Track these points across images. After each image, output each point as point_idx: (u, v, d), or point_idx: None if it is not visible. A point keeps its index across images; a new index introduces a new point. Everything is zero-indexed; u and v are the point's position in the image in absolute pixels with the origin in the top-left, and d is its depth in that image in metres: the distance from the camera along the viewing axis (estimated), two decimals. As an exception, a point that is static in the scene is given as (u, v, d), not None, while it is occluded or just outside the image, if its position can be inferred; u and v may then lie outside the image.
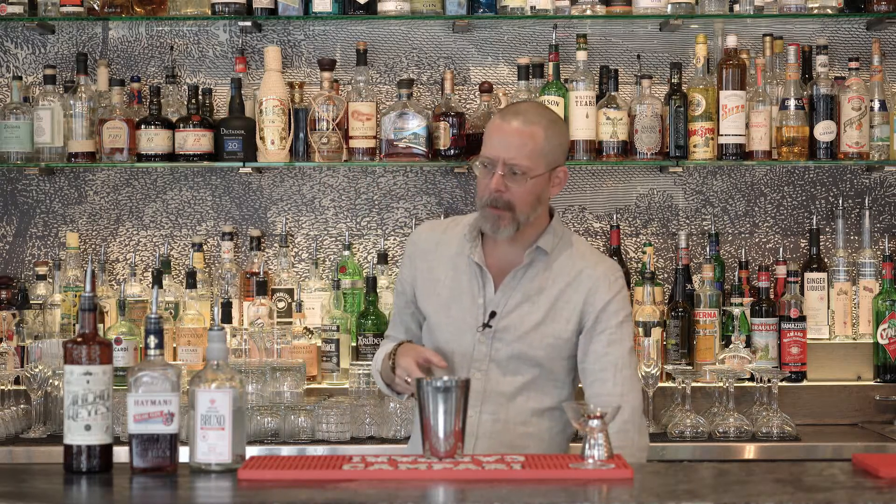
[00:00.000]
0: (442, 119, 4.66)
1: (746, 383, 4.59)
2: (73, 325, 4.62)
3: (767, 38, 4.83)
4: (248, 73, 4.84)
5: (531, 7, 4.68)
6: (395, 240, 4.96)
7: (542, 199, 3.32)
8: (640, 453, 3.34)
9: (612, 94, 4.73)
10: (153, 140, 4.68)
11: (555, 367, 3.35)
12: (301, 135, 4.71)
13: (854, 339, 4.83)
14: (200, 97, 4.78)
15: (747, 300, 4.65)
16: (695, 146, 4.69)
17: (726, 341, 4.66)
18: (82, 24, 4.94)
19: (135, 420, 2.79)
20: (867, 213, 4.90)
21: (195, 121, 4.69)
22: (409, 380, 3.22)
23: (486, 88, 4.72)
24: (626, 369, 3.33)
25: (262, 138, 4.67)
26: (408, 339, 3.44)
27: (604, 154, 4.71)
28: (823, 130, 4.71)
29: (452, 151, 4.67)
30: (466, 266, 3.37)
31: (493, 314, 3.32)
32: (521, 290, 3.35)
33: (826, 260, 4.88)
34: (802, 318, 4.71)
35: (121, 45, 4.97)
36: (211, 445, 2.79)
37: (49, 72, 4.77)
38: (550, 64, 4.74)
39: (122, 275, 4.91)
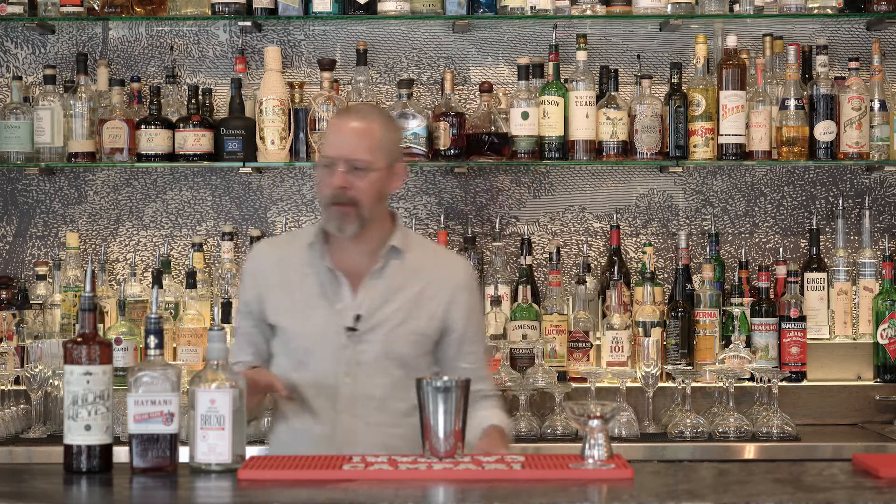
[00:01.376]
0: (442, 119, 4.66)
1: (746, 383, 4.59)
2: (73, 325, 4.62)
3: (767, 38, 4.83)
4: (248, 73, 4.84)
5: (531, 7, 4.68)
6: (395, 240, 4.95)
7: (383, 194, 3.39)
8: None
9: (612, 94, 4.73)
10: (153, 140, 4.68)
11: (418, 364, 3.40)
12: (301, 135, 4.71)
13: (854, 339, 4.83)
14: (200, 97, 4.78)
15: (747, 300, 4.65)
16: (695, 146, 4.69)
17: (726, 341, 4.66)
18: (82, 24, 4.94)
19: (135, 420, 2.79)
20: (867, 213, 4.90)
21: (195, 121, 4.68)
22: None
23: (486, 88, 4.72)
24: (487, 360, 3.60)
25: (262, 138, 4.67)
26: (256, 360, 3.43)
27: (604, 154, 4.71)
28: (823, 130, 4.70)
29: (452, 151, 4.67)
30: (317, 274, 3.39)
31: (358, 317, 3.35)
32: (380, 290, 3.38)
33: (826, 260, 4.88)
34: (802, 318, 4.71)
35: (121, 45, 4.97)
36: (211, 445, 2.79)
37: (49, 72, 4.77)
38: (550, 64, 4.74)
39: (122, 275, 4.91)
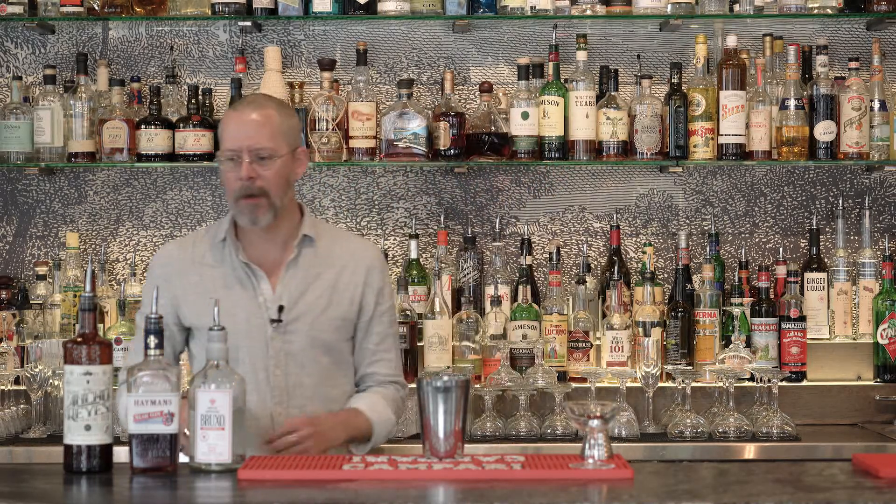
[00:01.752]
0: (442, 119, 4.66)
1: (746, 383, 4.59)
2: (73, 325, 4.62)
3: (767, 38, 4.83)
4: (248, 73, 4.84)
5: (531, 7, 4.68)
6: (395, 240, 4.96)
7: (290, 181, 3.41)
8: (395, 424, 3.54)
9: (612, 94, 4.73)
10: (153, 140, 4.68)
11: (343, 349, 3.45)
12: (301, 135, 4.70)
13: (854, 339, 4.83)
14: (200, 97, 4.78)
15: (747, 300, 4.65)
16: (695, 146, 4.69)
17: (726, 341, 4.66)
18: (82, 24, 4.94)
19: (135, 420, 2.79)
20: (867, 213, 4.90)
21: (195, 121, 4.68)
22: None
23: (486, 88, 4.71)
24: (399, 350, 3.60)
25: (262, 138, 4.66)
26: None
27: (604, 154, 4.71)
28: (823, 130, 4.70)
29: (452, 151, 4.66)
30: (232, 270, 3.40)
31: (281, 308, 3.37)
32: (298, 279, 3.41)
33: (826, 260, 4.88)
34: (802, 318, 4.71)
35: (121, 45, 4.97)
36: (211, 445, 2.79)
37: (49, 72, 4.77)
38: (550, 64, 4.74)
39: (122, 275, 4.91)
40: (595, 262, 4.92)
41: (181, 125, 4.70)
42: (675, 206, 4.99)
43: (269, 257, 3.43)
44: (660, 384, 4.53)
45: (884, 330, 4.74)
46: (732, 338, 4.59)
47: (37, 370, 4.36)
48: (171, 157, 4.71)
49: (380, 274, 3.51)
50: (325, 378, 3.43)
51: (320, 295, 3.42)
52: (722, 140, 4.69)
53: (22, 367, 4.51)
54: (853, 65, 4.74)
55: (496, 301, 4.65)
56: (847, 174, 4.97)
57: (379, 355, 3.50)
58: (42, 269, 4.82)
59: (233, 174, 3.33)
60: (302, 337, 3.40)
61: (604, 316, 4.75)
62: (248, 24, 4.75)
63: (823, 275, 4.84)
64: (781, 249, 4.88)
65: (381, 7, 4.67)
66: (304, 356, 3.40)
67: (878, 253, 4.89)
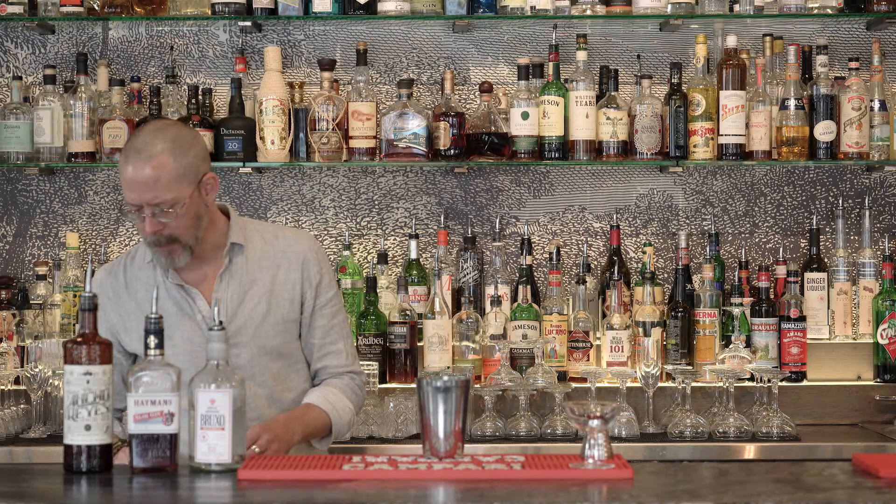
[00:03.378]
0: (442, 119, 4.66)
1: (746, 383, 4.59)
2: (73, 325, 4.62)
3: (767, 38, 4.83)
4: (248, 73, 4.84)
5: (531, 7, 4.68)
6: (394, 240, 4.96)
7: (201, 214, 3.27)
8: (353, 420, 3.47)
9: (612, 94, 4.73)
10: (153, 140, 4.68)
11: (292, 351, 3.40)
12: (301, 135, 4.71)
13: (854, 339, 4.83)
14: (200, 97, 4.78)
15: (747, 300, 4.65)
16: (695, 146, 4.69)
17: (726, 341, 4.66)
18: (82, 24, 4.94)
19: (135, 420, 2.79)
20: (867, 213, 4.90)
21: (195, 121, 4.68)
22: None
23: (486, 88, 4.71)
24: (349, 338, 3.49)
25: (262, 138, 4.67)
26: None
27: (604, 154, 4.71)
28: (823, 130, 4.70)
29: (452, 151, 4.66)
30: (167, 291, 3.33)
31: (220, 323, 3.25)
32: (233, 290, 3.35)
33: (826, 260, 4.88)
34: (802, 318, 4.71)
35: (121, 45, 4.97)
36: (211, 445, 2.79)
37: (49, 72, 4.77)
38: (550, 64, 4.74)
39: (122, 275, 4.91)
40: (595, 262, 4.92)
41: (181, 125, 4.69)
42: (675, 206, 4.99)
43: (201, 273, 3.35)
44: (660, 384, 4.53)
45: (884, 330, 4.74)
46: (732, 338, 4.59)
47: (37, 370, 4.36)
48: (171, 157, 4.70)
49: (315, 265, 3.42)
50: (277, 384, 3.39)
51: (258, 301, 3.36)
52: (722, 140, 4.69)
53: (22, 367, 4.51)
54: (853, 65, 4.74)
55: (496, 301, 4.65)
56: (847, 174, 4.97)
57: (326, 349, 3.43)
58: (42, 269, 4.82)
59: (140, 225, 3.23)
60: (247, 348, 3.34)
61: (604, 316, 4.75)
62: (248, 24, 4.75)
63: (823, 275, 4.84)
64: (781, 249, 4.88)
65: (381, 7, 4.67)
66: (254, 366, 3.34)
67: (878, 253, 4.89)
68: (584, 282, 4.72)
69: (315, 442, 3.41)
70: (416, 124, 4.63)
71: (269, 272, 3.38)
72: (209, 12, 4.71)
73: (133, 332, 3.33)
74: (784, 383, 4.56)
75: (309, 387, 3.47)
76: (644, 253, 4.88)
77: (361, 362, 4.51)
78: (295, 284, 3.40)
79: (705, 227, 4.96)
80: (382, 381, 4.58)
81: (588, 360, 4.65)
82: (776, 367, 4.63)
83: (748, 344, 4.65)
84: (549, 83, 4.71)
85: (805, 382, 4.73)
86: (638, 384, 4.52)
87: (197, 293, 3.34)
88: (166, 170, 3.18)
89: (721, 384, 4.42)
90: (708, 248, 4.86)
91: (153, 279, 3.35)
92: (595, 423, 2.79)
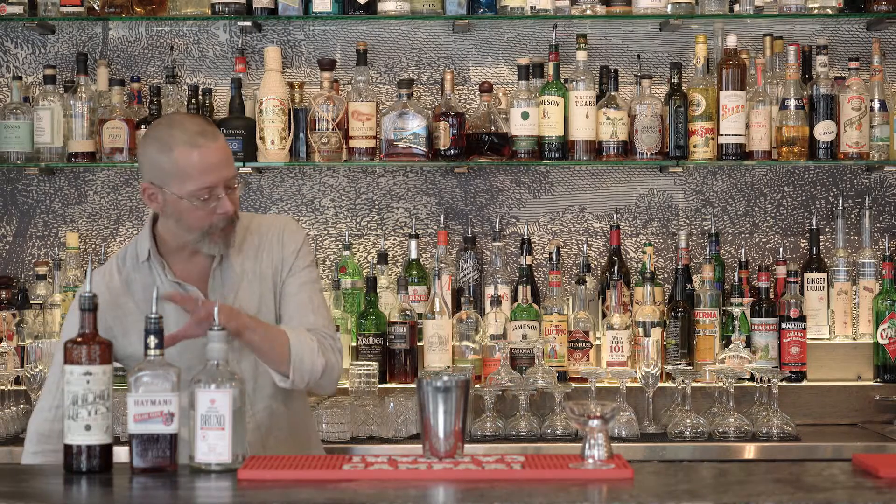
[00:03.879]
0: (442, 119, 4.66)
1: (746, 383, 4.59)
2: (73, 325, 4.61)
3: (767, 38, 4.83)
4: (248, 73, 4.84)
5: (531, 7, 4.68)
6: (395, 240, 4.96)
7: None
8: (321, 365, 3.28)
9: (612, 94, 4.73)
10: (153, 140, 4.68)
11: None
12: (301, 135, 4.71)
13: (854, 339, 4.83)
14: (200, 97, 4.78)
15: (747, 300, 4.65)
16: (695, 146, 4.69)
17: (726, 341, 4.66)
18: (82, 24, 4.94)
19: (135, 420, 2.79)
20: (867, 213, 4.90)
21: (195, 121, 4.68)
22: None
23: (486, 88, 4.72)
24: (322, 308, 3.38)
25: (262, 138, 4.67)
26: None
27: (604, 154, 4.71)
28: (823, 130, 4.71)
29: (452, 151, 4.66)
30: (164, 290, 3.28)
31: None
32: (228, 283, 3.34)
33: (826, 260, 4.88)
34: (802, 318, 4.71)
35: (121, 45, 4.97)
36: (211, 445, 2.79)
37: (49, 72, 4.77)
38: (550, 64, 4.74)
39: (122, 275, 4.91)
40: (595, 262, 4.92)
41: (181, 125, 4.69)
42: (675, 206, 4.99)
43: (196, 270, 3.34)
44: (660, 384, 4.53)
45: (884, 330, 4.74)
46: (732, 338, 4.59)
47: (37, 370, 4.36)
48: (171, 157, 4.70)
49: (290, 237, 3.39)
50: (260, 366, 3.32)
51: (252, 291, 3.35)
52: (722, 140, 4.69)
53: (22, 367, 4.51)
54: (853, 65, 4.74)
55: (496, 301, 4.65)
56: (847, 174, 4.97)
57: (296, 321, 3.34)
58: (42, 269, 4.82)
59: (204, 211, 3.21)
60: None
61: (604, 316, 4.75)
62: (248, 24, 4.75)
63: (823, 275, 4.84)
64: (781, 249, 4.88)
65: (381, 7, 4.67)
66: (240, 351, 3.29)
67: (878, 253, 4.89)
68: (584, 282, 4.72)
69: (273, 368, 3.27)
70: (416, 124, 4.63)
71: (254, 258, 3.38)
72: (209, 12, 4.71)
73: (132, 333, 3.29)
74: (784, 383, 4.56)
75: None
76: (644, 253, 4.88)
77: (361, 362, 4.52)
78: (274, 260, 3.38)
79: (705, 227, 4.96)
80: (382, 381, 4.58)
81: (588, 360, 4.65)
82: (776, 367, 4.64)
83: (748, 344, 4.65)
84: (549, 83, 4.72)
85: (805, 382, 4.73)
86: (638, 384, 4.52)
87: (194, 289, 3.33)
88: (227, 147, 3.28)
89: (721, 384, 4.42)
90: (708, 248, 4.86)
91: (150, 279, 3.34)
92: (595, 423, 2.79)
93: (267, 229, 3.42)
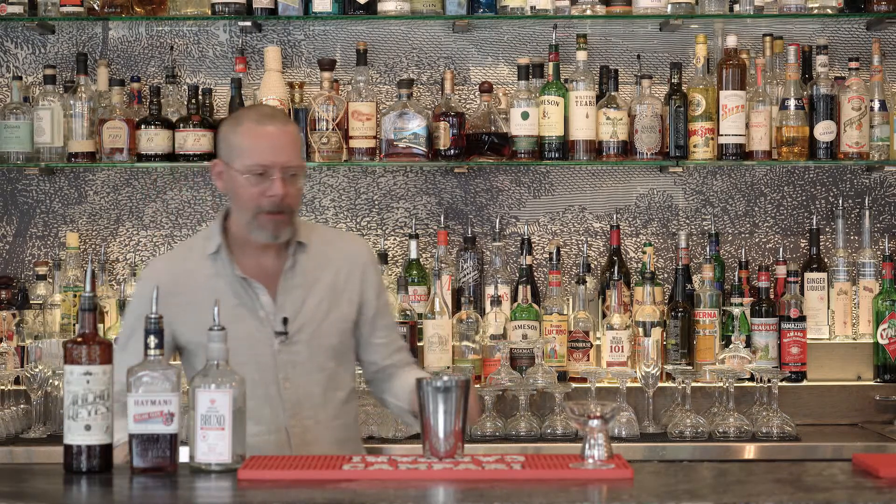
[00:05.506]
0: (442, 119, 4.66)
1: (746, 383, 4.59)
2: (73, 325, 4.62)
3: (767, 38, 4.83)
4: (248, 73, 4.84)
5: (531, 7, 4.68)
6: (394, 240, 4.96)
7: (303, 193, 3.41)
8: None
9: (612, 94, 4.73)
10: (153, 140, 4.68)
11: (346, 350, 3.42)
12: (301, 135, 4.71)
13: (854, 339, 4.83)
14: (200, 97, 4.78)
15: (747, 300, 4.65)
16: (695, 146, 4.69)
17: (726, 341, 4.66)
18: (82, 24, 4.94)
19: (135, 420, 2.79)
20: (867, 213, 4.90)
21: (195, 121, 4.68)
22: None
23: (486, 88, 4.72)
24: (401, 335, 3.63)
25: (262, 138, 4.66)
26: None
27: (604, 154, 4.71)
28: (823, 130, 4.71)
29: (452, 151, 4.66)
30: (230, 285, 3.32)
31: (286, 320, 3.31)
32: (296, 288, 3.35)
33: (826, 260, 4.88)
34: (802, 318, 4.71)
35: (121, 45, 4.97)
36: (211, 445, 2.79)
37: (49, 72, 4.77)
38: (550, 64, 4.74)
39: (122, 275, 4.91)
40: (595, 262, 4.92)
41: (181, 125, 4.70)
42: (675, 206, 4.99)
43: (265, 268, 3.35)
44: (660, 384, 4.53)
45: (884, 330, 4.74)
46: (732, 338, 4.59)
47: (37, 370, 4.36)
48: (171, 157, 4.71)
49: (374, 269, 3.49)
50: (331, 382, 3.39)
51: (321, 300, 3.37)
52: (722, 140, 4.69)
53: (22, 367, 4.51)
54: (853, 65, 4.74)
55: (496, 301, 4.65)
56: (847, 174, 4.97)
57: (392, 346, 3.49)
58: (42, 269, 4.82)
59: (257, 189, 3.25)
60: (307, 346, 3.34)
61: (604, 316, 4.75)
62: (248, 24, 4.75)
63: (823, 275, 4.84)
64: (781, 249, 4.88)
65: (381, 7, 4.67)
66: (311, 364, 3.35)
67: (878, 253, 4.89)
68: (584, 282, 4.72)
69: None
70: (416, 124, 4.63)
71: (331, 273, 3.40)
72: (209, 12, 4.71)
73: (190, 323, 3.29)
74: (784, 383, 4.56)
75: (353, 385, 3.48)
76: (644, 253, 4.88)
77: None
78: (355, 286, 3.42)
79: (705, 227, 4.96)
80: (382, 381, 4.58)
81: (588, 360, 4.65)
82: (776, 367, 4.64)
83: (748, 344, 4.65)
84: (549, 83, 4.72)
85: (805, 382, 4.73)
86: (638, 384, 4.52)
87: (261, 288, 3.32)
88: (297, 137, 3.33)
89: (721, 384, 4.42)
90: (708, 248, 4.86)
91: (213, 271, 3.34)
92: (595, 423, 2.79)
93: (350, 252, 3.45)
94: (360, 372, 3.61)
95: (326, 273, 3.40)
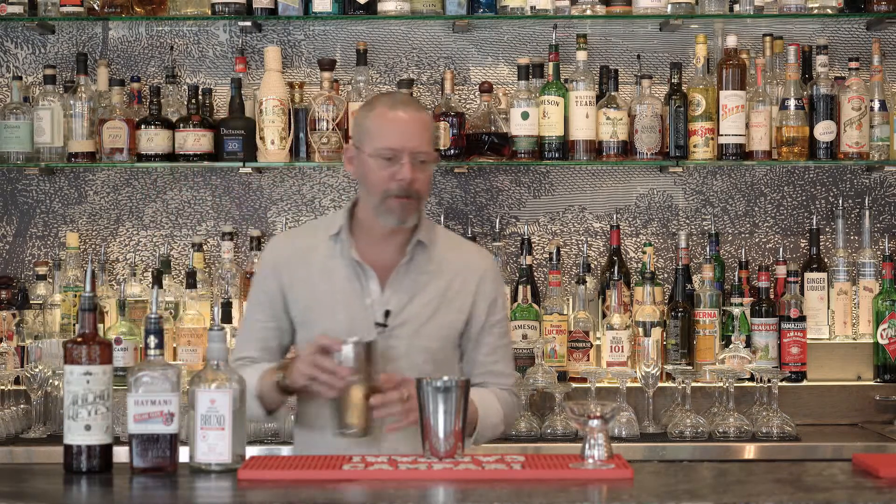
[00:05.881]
0: (442, 119, 4.66)
1: (746, 383, 4.59)
2: (73, 325, 4.62)
3: (767, 38, 4.83)
4: (248, 73, 4.84)
5: (531, 7, 4.68)
6: (395, 240, 4.95)
7: (431, 182, 3.37)
8: (500, 432, 3.42)
9: (612, 94, 4.73)
10: (153, 140, 4.68)
11: (448, 358, 3.37)
12: (301, 135, 4.71)
13: (854, 339, 4.83)
14: (200, 97, 4.78)
15: (747, 300, 4.65)
16: (695, 146, 4.69)
17: (726, 341, 4.66)
18: (82, 24, 4.94)
19: (135, 420, 2.79)
20: (867, 213, 4.90)
21: (195, 121, 4.68)
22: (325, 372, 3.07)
23: (486, 88, 4.72)
24: (512, 362, 3.50)
25: (262, 138, 4.67)
26: (262, 357, 3.33)
27: (604, 154, 4.71)
28: (823, 130, 4.71)
29: (452, 151, 4.66)
30: (344, 267, 3.32)
31: (388, 313, 3.28)
32: (407, 284, 3.32)
33: (826, 260, 4.88)
34: (802, 318, 4.71)
35: (121, 45, 4.97)
36: (211, 445, 2.79)
37: (49, 72, 4.77)
38: (550, 64, 4.74)
39: (122, 275, 4.91)
40: (595, 262, 4.92)
41: (181, 125, 4.70)
42: (675, 206, 4.99)
43: (382, 258, 3.33)
44: (660, 384, 4.53)
45: (884, 330, 4.74)
46: (732, 338, 4.59)
47: (37, 370, 4.36)
48: (171, 157, 4.71)
49: (492, 283, 3.41)
50: None
51: (428, 302, 3.32)
52: (722, 140, 4.69)
53: (22, 367, 4.51)
54: (853, 65, 4.74)
55: (496, 301, 4.64)
56: (847, 174, 4.97)
57: (488, 367, 3.40)
58: (42, 269, 4.82)
59: (386, 172, 3.24)
60: (405, 343, 3.29)
61: (604, 316, 4.75)
62: (248, 24, 4.75)
63: (823, 275, 4.84)
64: (781, 249, 4.88)
65: (381, 7, 4.67)
66: (406, 362, 3.28)
67: (878, 253, 4.89)
68: (584, 282, 4.72)
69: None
70: (416, 124, 4.63)
71: (446, 277, 3.36)
72: (209, 12, 4.71)
73: (297, 297, 3.32)
74: (784, 383, 4.56)
75: None
76: (644, 253, 4.88)
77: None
78: (467, 296, 3.37)
79: (705, 227, 4.96)
80: (382, 381, 4.58)
81: (588, 360, 4.65)
82: (776, 367, 4.64)
83: (748, 344, 4.65)
84: (549, 83, 4.72)
85: (805, 382, 4.73)
86: (638, 384, 4.52)
87: (373, 276, 3.30)
88: (429, 125, 3.32)
89: (721, 384, 4.42)
90: (708, 248, 4.86)
91: (332, 251, 3.33)
92: (595, 423, 2.79)
93: (471, 261, 3.41)
94: None
95: (441, 277, 3.35)
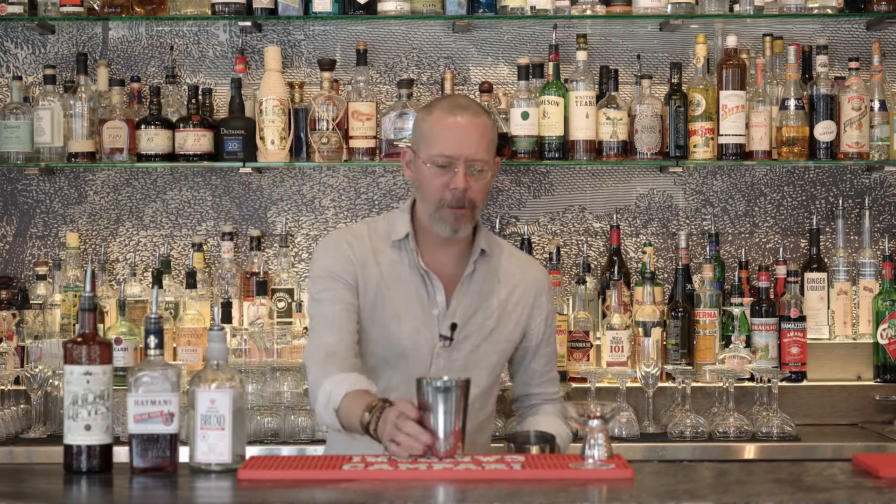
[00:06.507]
0: (442, 119, 4.65)
1: (746, 383, 4.59)
2: (73, 325, 4.62)
3: (767, 38, 4.83)
4: (248, 73, 4.84)
5: (531, 7, 4.68)
6: (395, 240, 4.95)
7: (489, 191, 3.30)
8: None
9: (612, 94, 4.73)
10: (153, 140, 4.68)
11: (499, 372, 3.36)
12: (301, 135, 4.71)
13: (854, 339, 4.83)
14: (200, 97, 4.78)
15: (747, 300, 4.65)
16: (695, 146, 4.69)
17: (726, 341, 4.66)
18: (82, 24, 4.94)
19: (135, 420, 2.79)
20: (867, 213, 4.91)
21: (195, 121, 4.68)
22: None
23: (486, 88, 4.72)
24: (556, 369, 3.50)
25: (262, 138, 4.67)
26: (343, 340, 3.19)
27: (604, 154, 4.71)
28: (823, 130, 4.71)
29: (452, 151, 4.66)
30: (409, 275, 3.26)
31: (454, 326, 3.24)
32: (472, 296, 3.29)
33: (826, 260, 4.88)
34: (802, 318, 4.71)
35: (121, 45, 4.97)
36: (211, 445, 2.79)
37: (49, 72, 4.77)
38: (550, 64, 4.74)
39: (122, 275, 4.91)
40: (595, 262, 4.92)
41: (181, 125, 4.70)
42: (675, 206, 4.99)
43: (447, 267, 3.28)
44: (660, 384, 4.53)
45: (884, 330, 4.74)
46: (732, 338, 4.59)
47: (37, 370, 4.36)
48: (171, 157, 4.71)
49: (547, 297, 3.40)
50: (479, 400, 3.27)
51: (489, 315, 3.29)
52: (722, 140, 4.69)
53: (22, 367, 4.51)
54: (853, 65, 4.74)
55: (496, 301, 4.64)
56: (847, 174, 4.97)
57: (546, 376, 3.41)
58: (42, 269, 4.82)
59: (440, 180, 3.17)
60: (465, 356, 3.26)
61: (604, 316, 4.75)
62: (248, 24, 4.75)
63: (823, 275, 4.84)
64: (781, 249, 4.88)
65: (381, 7, 4.67)
66: (467, 376, 3.20)
67: (878, 253, 4.89)
68: (584, 282, 4.72)
69: None
70: (416, 124, 4.63)
71: (507, 289, 3.33)
72: (209, 12, 4.71)
73: (367, 297, 3.22)
74: (784, 383, 4.56)
75: (493, 409, 3.40)
76: (644, 253, 4.88)
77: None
78: (525, 309, 3.35)
79: (705, 227, 4.96)
80: (382, 381, 4.57)
81: (588, 360, 4.65)
82: (776, 367, 4.64)
83: (748, 344, 4.65)
84: (549, 83, 4.72)
85: (805, 382, 4.73)
86: (638, 384, 4.52)
87: (440, 287, 3.25)
88: (489, 131, 3.21)
89: (721, 384, 4.42)
90: (708, 248, 4.86)
91: (397, 258, 3.26)
92: (595, 423, 2.79)
93: (528, 272, 3.38)
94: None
95: (502, 289, 3.32)
